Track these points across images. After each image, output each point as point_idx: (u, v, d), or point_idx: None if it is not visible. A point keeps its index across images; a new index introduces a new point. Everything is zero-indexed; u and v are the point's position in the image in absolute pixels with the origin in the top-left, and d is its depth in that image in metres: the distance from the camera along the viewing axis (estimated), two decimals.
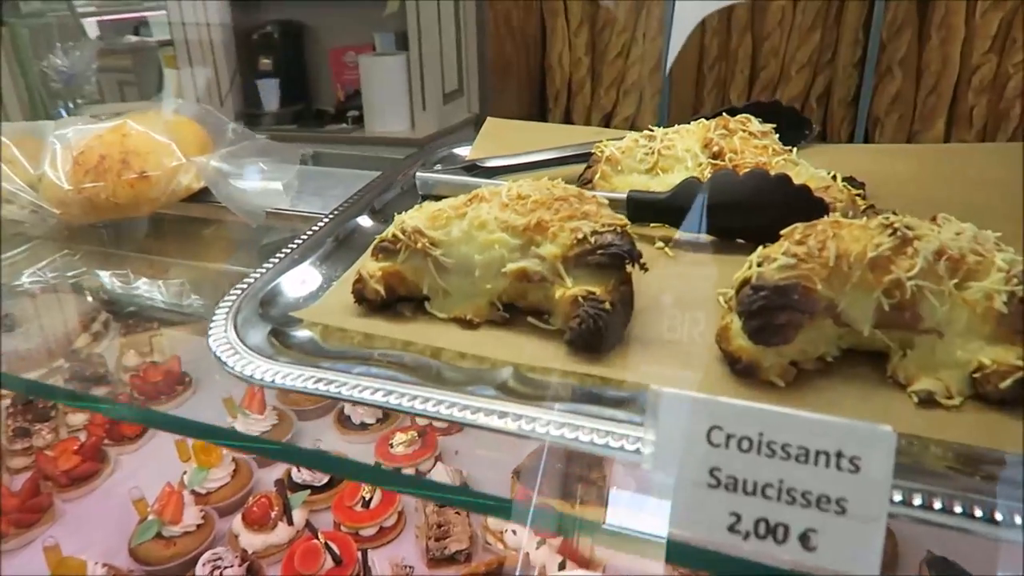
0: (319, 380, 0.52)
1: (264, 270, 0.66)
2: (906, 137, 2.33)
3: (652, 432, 0.39)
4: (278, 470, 1.37)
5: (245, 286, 0.64)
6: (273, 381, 0.53)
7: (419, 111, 2.53)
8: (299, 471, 1.35)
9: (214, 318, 0.59)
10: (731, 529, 0.38)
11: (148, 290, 0.82)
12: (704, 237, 0.68)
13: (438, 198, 0.78)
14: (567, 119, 2.84)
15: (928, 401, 0.49)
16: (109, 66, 2.51)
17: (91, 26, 2.64)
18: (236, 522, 1.25)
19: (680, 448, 0.38)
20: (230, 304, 0.61)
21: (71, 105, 2.14)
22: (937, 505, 0.40)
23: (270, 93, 2.65)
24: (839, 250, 0.51)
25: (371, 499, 1.27)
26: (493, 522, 1.27)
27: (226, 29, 2.65)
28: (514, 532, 1.24)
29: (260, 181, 0.85)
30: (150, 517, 1.22)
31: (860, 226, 0.53)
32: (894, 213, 0.57)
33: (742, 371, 0.52)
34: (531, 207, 0.59)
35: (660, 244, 0.68)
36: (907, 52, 2.23)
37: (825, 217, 0.62)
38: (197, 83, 2.70)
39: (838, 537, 0.36)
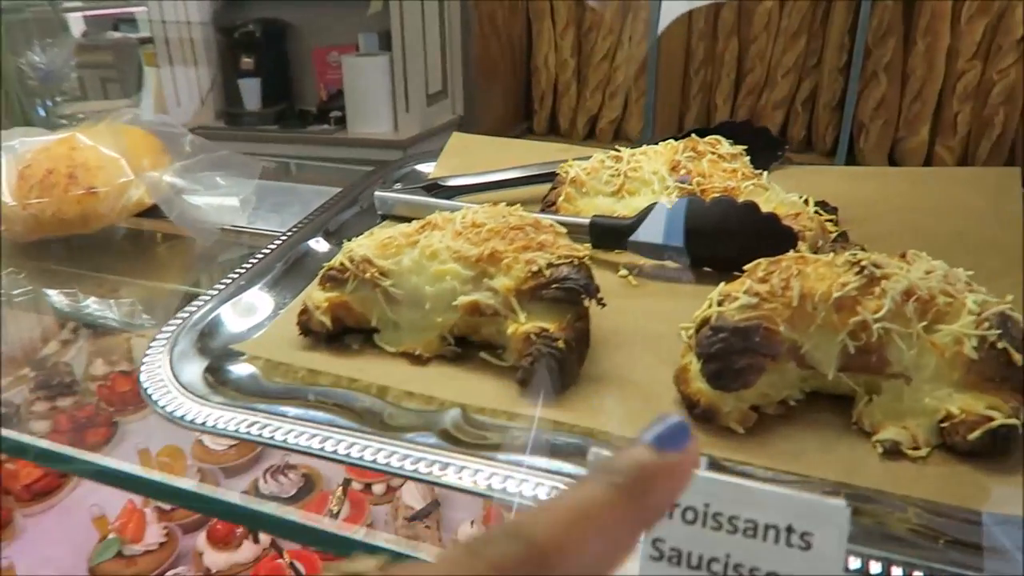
0: (252, 424, 0.49)
1: (207, 298, 0.62)
2: (891, 143, 2.31)
3: None
4: (244, 481, 1.34)
5: (186, 315, 0.60)
6: (204, 424, 0.50)
7: (402, 112, 2.49)
8: (266, 482, 1.32)
9: (148, 351, 0.56)
10: None
11: (99, 310, 0.78)
12: (671, 264, 0.65)
13: (398, 218, 0.76)
14: (552, 121, 2.82)
15: (893, 452, 0.46)
16: (91, 62, 2.46)
17: (77, 21, 2.59)
18: (200, 540, 1.22)
19: None
20: (168, 335, 0.58)
21: (49, 103, 2.10)
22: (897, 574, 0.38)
23: (252, 93, 2.60)
24: (803, 289, 0.49)
25: (339, 512, 1.24)
26: (463, 536, 1.24)
27: (207, 27, 2.60)
28: None
29: (216, 196, 0.81)
30: (111, 535, 1.18)
31: (826, 263, 0.50)
32: (862, 248, 0.54)
33: (700, 416, 0.49)
34: (485, 236, 0.56)
35: (624, 272, 0.65)
36: (892, 58, 2.22)
37: (794, 247, 0.60)
38: (177, 82, 2.66)
39: None
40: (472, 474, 0.45)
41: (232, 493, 1.26)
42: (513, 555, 0.20)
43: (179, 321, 0.60)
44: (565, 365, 0.52)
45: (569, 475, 0.44)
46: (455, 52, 2.59)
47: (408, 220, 0.73)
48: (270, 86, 2.64)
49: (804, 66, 2.45)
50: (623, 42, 2.60)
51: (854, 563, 0.38)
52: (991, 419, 0.44)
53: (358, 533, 1.13)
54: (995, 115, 2.14)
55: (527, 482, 0.44)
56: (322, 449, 0.47)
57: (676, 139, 0.72)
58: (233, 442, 1.33)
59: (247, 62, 2.60)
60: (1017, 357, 0.45)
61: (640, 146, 0.73)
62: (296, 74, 2.77)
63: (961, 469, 0.45)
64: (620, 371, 0.54)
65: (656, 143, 0.73)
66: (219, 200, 0.81)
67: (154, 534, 1.18)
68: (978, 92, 2.18)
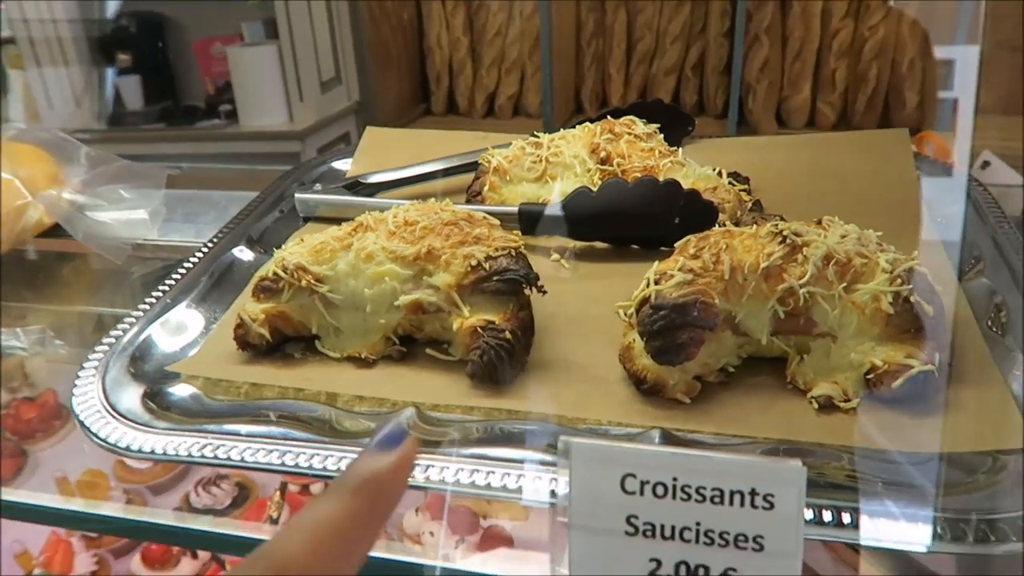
0: (204, 447, 0.48)
1: (133, 319, 0.60)
2: (777, 102, 2.42)
3: (566, 484, 0.38)
4: (174, 498, 1.29)
5: (113, 340, 0.58)
6: (153, 452, 0.48)
7: (296, 102, 2.42)
8: (198, 495, 1.28)
9: (77, 381, 0.54)
10: (652, 575, 0.37)
11: (5, 339, 0.74)
12: (600, 245, 0.67)
13: (322, 219, 0.75)
14: (450, 101, 2.79)
15: (827, 405, 0.49)
16: None
17: None
18: (135, 562, 1.17)
19: (596, 498, 0.37)
20: (97, 362, 0.56)
21: None
22: (847, 519, 0.41)
23: (132, 91, 2.46)
24: (733, 262, 0.51)
25: (279, 517, 1.22)
26: (409, 524, 1.24)
27: (75, 24, 2.44)
28: (431, 534, 1.22)
29: (122, 211, 0.77)
30: (36, 571, 1.12)
31: (751, 235, 0.53)
32: (782, 218, 0.58)
33: (648, 391, 0.51)
34: (420, 234, 0.56)
35: (556, 256, 0.66)
36: (772, 20, 2.31)
37: (716, 220, 0.63)
38: (48, 84, 2.49)
39: (757, 574, 0.36)
40: (439, 472, 0.45)
41: (161, 512, 1.22)
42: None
43: (106, 347, 0.57)
44: (513, 355, 0.53)
45: (528, 462, 0.45)
46: (346, 37, 2.53)
47: (332, 221, 0.72)
48: (151, 83, 2.50)
49: (690, 33, 2.52)
50: (514, 17, 2.61)
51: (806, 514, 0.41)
52: (910, 367, 0.48)
53: None
54: (869, 70, 2.26)
55: (494, 473, 0.45)
56: (282, 464, 0.47)
57: (592, 121, 0.73)
58: None
59: (123, 59, 2.46)
60: (927, 308, 0.49)
61: (556, 128, 0.75)
62: (178, 69, 2.64)
63: (889, 415, 0.49)
64: (565, 355, 0.56)
65: (573, 126, 0.74)
66: (126, 214, 0.77)
67: (84, 563, 1.13)
68: (852, 49, 2.30)
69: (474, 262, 0.54)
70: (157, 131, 2.44)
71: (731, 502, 0.36)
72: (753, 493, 0.36)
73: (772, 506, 0.36)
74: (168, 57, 2.59)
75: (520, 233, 0.67)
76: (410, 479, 0.45)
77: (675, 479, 0.37)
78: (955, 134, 2.18)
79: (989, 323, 0.53)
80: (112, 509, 1.08)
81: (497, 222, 0.59)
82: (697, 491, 0.37)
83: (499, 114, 2.78)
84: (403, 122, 2.68)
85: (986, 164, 0.98)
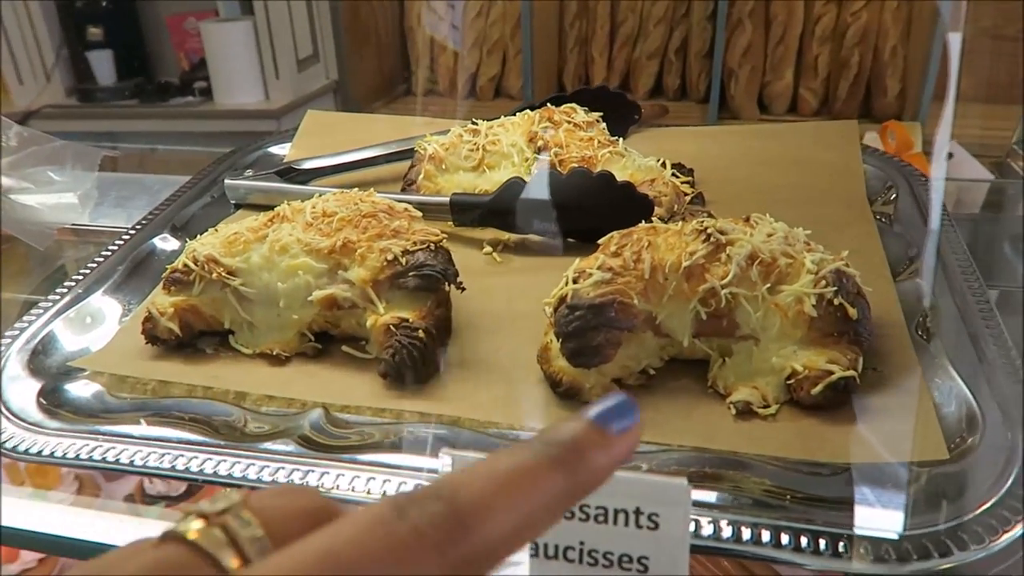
0: (93, 449, 0.46)
1: (40, 311, 0.58)
2: (759, 87, 2.39)
3: None
4: (128, 484, 1.27)
5: (16, 332, 0.56)
6: (40, 453, 0.46)
7: (272, 80, 2.38)
8: (151, 483, 1.26)
9: None
10: None
11: None
12: (533, 237, 0.65)
13: (253, 207, 0.72)
14: (432, 81, 2.75)
15: (746, 412, 0.48)
16: None
17: None
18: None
19: None
20: None
21: None
22: (747, 536, 0.39)
23: (104, 66, 2.41)
24: (654, 260, 0.49)
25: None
26: None
27: None
28: None
29: (51, 194, 0.75)
30: None
31: (675, 232, 0.51)
32: (710, 214, 0.56)
33: (564, 394, 0.49)
34: (337, 226, 0.54)
35: (488, 249, 0.64)
36: (755, 5, 2.27)
37: (651, 213, 0.61)
38: (17, 58, 2.44)
39: None
40: (333, 479, 0.44)
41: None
42: (435, 516, 0.19)
43: (8, 340, 0.55)
44: (427, 354, 0.51)
45: (427, 470, 0.43)
46: (323, 14, 2.48)
47: (264, 208, 0.70)
48: (124, 58, 2.45)
49: (674, 16, 2.49)
50: None
51: (706, 528, 0.39)
52: (831, 373, 0.46)
53: None
54: (851, 56, 2.24)
55: (389, 482, 0.43)
56: (172, 468, 0.45)
57: (532, 108, 0.71)
58: None
59: (95, 32, 2.41)
60: (852, 311, 0.47)
61: (519, 107, 0.72)
62: (152, 44, 2.59)
63: (808, 423, 0.47)
64: (485, 354, 0.54)
65: (514, 113, 0.72)
66: (55, 198, 0.75)
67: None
68: (834, 35, 2.27)
69: (390, 256, 0.52)
70: (129, 107, 2.40)
71: (616, 521, 0.35)
72: (638, 512, 0.34)
73: (657, 526, 0.34)
74: (141, 32, 2.54)
75: (452, 224, 0.65)
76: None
77: None
78: (925, 123, 2.16)
79: (917, 327, 0.52)
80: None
81: (419, 214, 0.57)
82: (582, 509, 0.35)
83: (480, 96, 2.75)
84: (383, 101, 2.64)
85: (950, 156, 0.96)
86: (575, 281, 0.49)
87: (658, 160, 0.68)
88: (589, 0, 2.53)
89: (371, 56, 2.65)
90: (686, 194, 0.66)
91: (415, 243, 0.53)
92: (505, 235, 0.65)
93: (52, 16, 2.41)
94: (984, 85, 2.33)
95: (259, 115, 2.34)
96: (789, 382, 0.48)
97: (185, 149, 0.96)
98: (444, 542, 0.19)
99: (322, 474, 0.44)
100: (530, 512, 0.21)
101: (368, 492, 0.43)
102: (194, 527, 0.20)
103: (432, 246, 0.53)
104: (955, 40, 2.01)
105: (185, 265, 0.55)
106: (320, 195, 0.58)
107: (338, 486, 0.43)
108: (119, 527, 0.81)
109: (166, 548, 0.20)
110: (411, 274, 0.52)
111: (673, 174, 0.68)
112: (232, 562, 0.19)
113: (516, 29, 2.57)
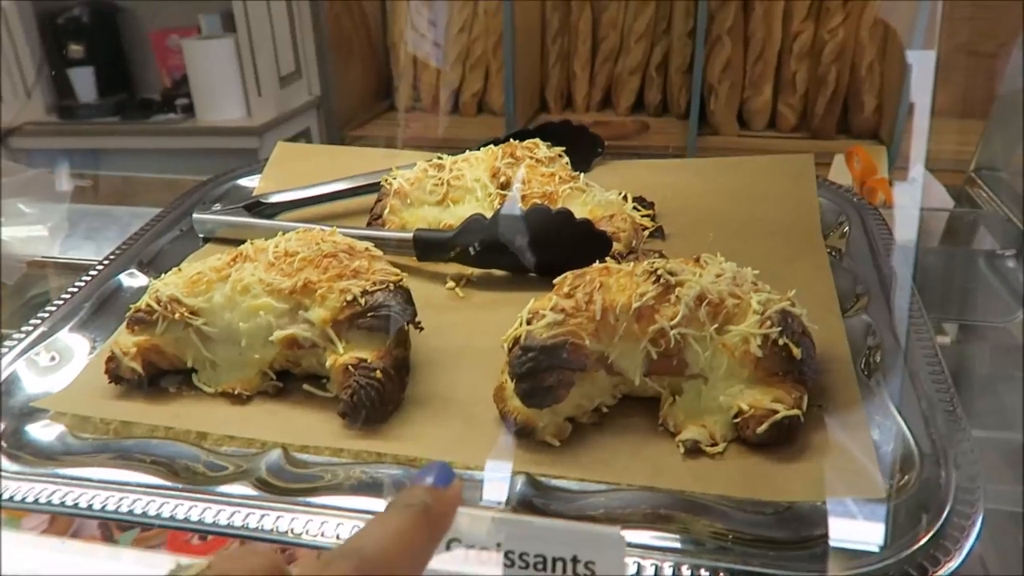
0: (52, 493, 0.46)
1: (6, 349, 0.58)
2: (738, 103, 2.42)
3: None
4: None
5: None
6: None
7: (254, 97, 2.38)
8: None
9: None
10: None
11: None
12: (497, 272, 0.66)
13: (222, 241, 0.73)
14: (415, 97, 2.77)
15: (694, 450, 0.49)
16: None
17: None
18: None
19: None
20: None
21: None
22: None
23: (85, 83, 2.42)
24: (606, 302, 0.50)
25: None
26: None
27: (25, 13, 2.38)
28: None
29: (21, 227, 0.75)
30: None
31: (627, 272, 0.52)
32: (661, 254, 0.57)
33: (518, 433, 0.50)
34: (299, 266, 0.55)
35: (451, 284, 0.65)
36: (734, 21, 2.30)
37: (610, 249, 0.62)
38: None
39: None
40: (288, 523, 0.44)
41: None
42: (350, 567, 0.26)
43: None
44: (385, 395, 0.52)
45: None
46: (306, 30, 2.49)
47: (232, 242, 0.71)
48: (106, 75, 2.45)
49: (655, 32, 2.52)
50: (478, 14, 2.59)
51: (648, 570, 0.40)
52: (776, 412, 0.48)
53: None
54: (828, 73, 2.27)
55: (343, 525, 0.44)
56: (131, 513, 0.45)
57: (496, 143, 0.72)
58: None
59: (76, 50, 2.41)
60: (796, 351, 0.49)
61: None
62: (135, 61, 2.59)
63: (753, 460, 0.48)
64: (444, 392, 0.55)
65: (478, 147, 0.73)
66: (25, 230, 0.75)
67: None
68: (812, 52, 2.30)
69: (350, 297, 0.53)
70: (111, 125, 2.40)
71: (554, 569, 0.36)
72: (575, 560, 0.35)
73: (593, 574, 0.35)
74: (123, 49, 2.54)
75: (416, 259, 0.67)
76: (258, 534, 0.44)
77: (498, 545, 0.36)
78: (900, 139, 2.19)
79: (862, 365, 0.53)
80: None
81: (379, 253, 0.58)
82: (520, 557, 0.36)
83: (463, 111, 2.76)
84: (366, 118, 2.66)
85: (913, 181, 0.98)
86: (529, 322, 0.51)
87: (620, 193, 0.70)
88: (571, 16, 2.55)
89: (354, 72, 2.66)
90: (645, 228, 0.67)
91: (374, 283, 0.54)
92: (468, 269, 0.66)
93: (33, 33, 2.41)
94: (960, 100, 2.36)
95: (241, 132, 2.35)
96: (736, 420, 0.49)
97: (157, 178, 0.96)
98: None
99: (277, 518, 0.45)
100: (414, 560, 0.28)
101: (322, 535, 0.44)
102: None
103: (391, 286, 0.55)
104: (928, 58, 2.04)
105: (148, 305, 0.56)
106: (283, 234, 0.59)
107: (292, 530, 0.44)
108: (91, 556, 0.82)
109: None
110: (369, 315, 0.53)
111: (635, 207, 0.69)
112: None
113: (498, 45, 2.59)
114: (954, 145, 2.21)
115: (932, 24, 2.16)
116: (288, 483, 0.47)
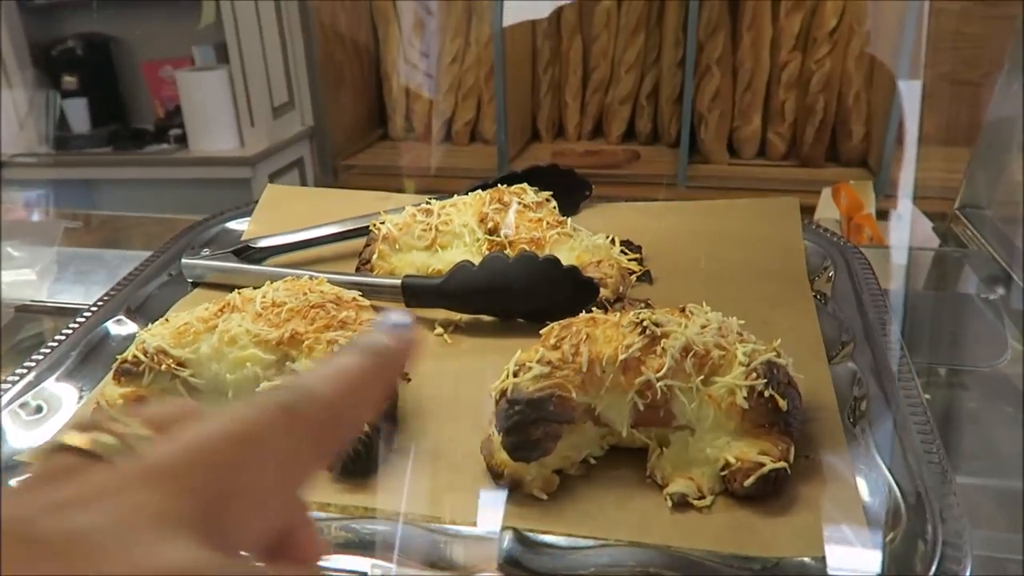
0: None
1: None
2: (728, 132, 2.44)
3: None
4: None
5: None
6: None
7: (247, 127, 2.40)
8: None
9: None
10: None
11: None
12: (486, 317, 0.66)
13: (211, 285, 0.73)
14: (408, 126, 2.79)
15: (682, 503, 0.49)
16: None
17: None
18: None
19: None
20: None
21: None
22: None
23: (78, 114, 2.43)
24: (592, 354, 0.50)
25: None
26: None
27: (19, 46, 2.40)
28: None
29: (10, 271, 0.75)
30: None
31: (613, 324, 0.52)
32: (647, 304, 0.57)
33: (506, 486, 0.50)
34: (286, 317, 0.55)
35: (439, 330, 0.65)
36: (723, 52, 2.33)
37: (596, 296, 0.63)
38: None
39: None
40: None
41: None
42: (295, 400, 0.24)
43: None
44: (371, 448, 0.52)
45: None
46: (299, 61, 2.51)
47: (221, 287, 0.71)
48: (99, 106, 2.47)
49: (645, 62, 2.54)
50: (471, 44, 2.61)
51: None
52: (762, 465, 0.48)
53: None
54: (816, 102, 2.29)
55: None
56: None
57: (484, 188, 0.73)
58: None
59: (69, 81, 2.42)
60: (782, 403, 0.49)
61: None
62: (128, 91, 2.60)
63: (741, 514, 0.48)
64: (431, 443, 0.55)
65: (467, 192, 0.74)
66: (13, 274, 0.75)
67: None
68: (800, 81, 2.33)
69: (337, 348, 0.53)
70: (104, 155, 2.41)
71: None
72: None
73: None
74: (116, 79, 2.55)
75: (405, 305, 0.67)
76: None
77: None
78: (888, 166, 2.20)
79: (849, 413, 0.53)
80: None
81: (367, 303, 0.58)
82: None
83: (456, 140, 2.78)
84: (359, 147, 2.67)
85: (899, 217, 0.99)
86: (515, 374, 0.51)
87: (607, 237, 0.70)
88: (562, 46, 2.58)
89: (347, 101, 2.68)
90: (632, 272, 0.68)
91: (362, 335, 0.54)
92: (456, 315, 0.66)
93: (26, 63, 2.42)
94: (944, 128, 2.38)
95: (234, 162, 2.36)
96: (723, 473, 0.49)
97: (148, 216, 0.97)
98: (296, 409, 0.24)
99: None
100: (359, 394, 0.27)
101: None
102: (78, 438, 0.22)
103: None
104: (914, 88, 2.06)
105: (135, 356, 0.56)
106: (271, 283, 0.59)
107: None
108: None
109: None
110: None
111: (622, 250, 0.70)
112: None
113: (490, 75, 2.61)
114: (940, 172, 2.23)
115: (917, 54, 2.19)
116: None
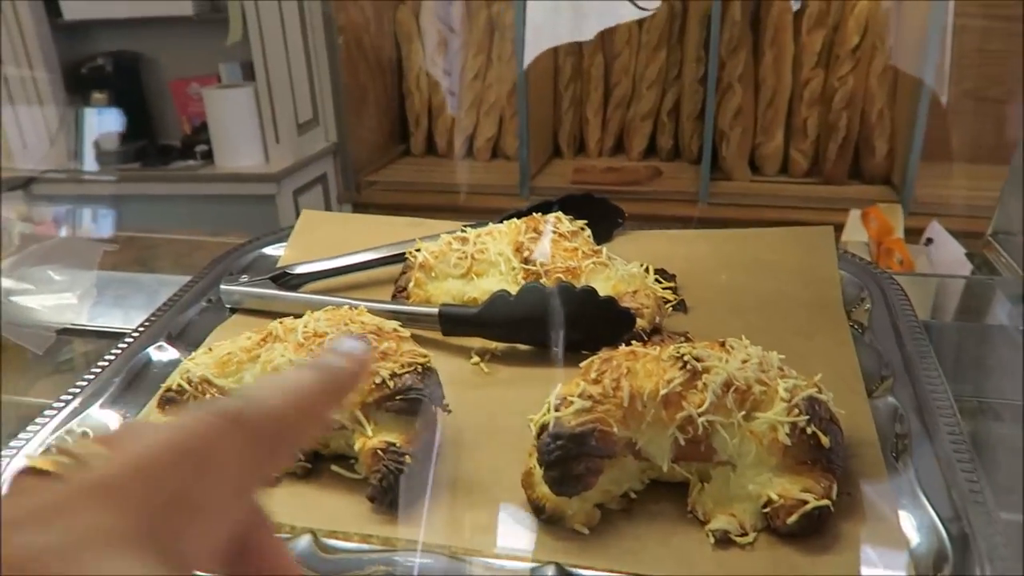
0: None
1: (37, 426, 0.59)
2: (750, 149, 2.44)
3: None
4: None
5: (13, 451, 0.57)
6: None
7: (272, 144, 2.43)
8: None
9: None
10: None
11: None
12: (523, 346, 0.67)
13: (249, 311, 0.74)
14: (430, 142, 2.81)
15: (724, 540, 0.49)
16: None
17: None
18: None
19: None
20: None
21: None
22: None
23: (107, 130, 2.47)
24: (633, 388, 0.51)
25: None
26: None
27: (51, 63, 2.44)
28: None
29: (51, 295, 0.77)
30: None
31: (654, 358, 0.53)
32: (687, 338, 0.57)
33: (547, 520, 0.51)
34: (327, 347, 0.56)
35: (476, 359, 0.66)
36: (744, 69, 2.33)
37: (633, 326, 0.63)
38: (22, 123, 2.49)
39: None
40: None
41: None
42: (243, 408, 0.25)
43: (6, 458, 0.56)
44: (413, 479, 0.52)
45: None
46: (323, 79, 2.54)
47: (259, 313, 0.72)
48: (127, 122, 2.51)
49: (666, 78, 2.55)
50: (492, 61, 2.63)
51: None
52: (805, 502, 0.48)
53: None
54: (839, 119, 2.29)
55: None
56: None
57: (519, 216, 0.73)
58: None
59: (99, 98, 2.47)
60: (824, 440, 0.49)
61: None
62: (155, 108, 2.65)
63: (784, 551, 0.48)
64: (470, 475, 0.55)
65: (501, 220, 0.74)
66: (54, 298, 0.76)
67: None
68: (823, 99, 2.32)
69: (378, 379, 0.54)
70: (132, 171, 2.44)
71: None
72: None
73: None
74: (144, 96, 2.60)
75: (442, 334, 0.67)
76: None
77: None
78: (914, 185, 2.18)
79: (890, 449, 0.53)
80: None
81: (407, 334, 0.58)
82: None
83: (477, 156, 2.80)
84: (382, 163, 2.69)
85: (929, 241, 0.99)
86: (557, 409, 0.51)
87: (642, 265, 0.70)
88: (583, 63, 2.59)
89: (370, 118, 2.71)
90: (668, 301, 0.68)
91: (403, 365, 0.55)
92: (493, 344, 0.67)
93: (57, 82, 2.47)
94: (968, 145, 2.37)
95: (259, 178, 2.39)
96: (765, 510, 0.49)
97: (179, 239, 0.98)
98: (243, 419, 0.25)
99: None
100: (305, 408, 0.27)
101: None
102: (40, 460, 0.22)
103: (419, 368, 0.55)
104: (938, 105, 2.04)
105: (179, 385, 0.56)
106: (312, 312, 0.60)
107: None
108: None
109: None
110: (398, 398, 0.54)
111: (656, 279, 0.70)
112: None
113: (512, 91, 2.63)
114: (965, 191, 2.22)
115: (940, 71, 2.17)
116: (323, 570, 0.47)
